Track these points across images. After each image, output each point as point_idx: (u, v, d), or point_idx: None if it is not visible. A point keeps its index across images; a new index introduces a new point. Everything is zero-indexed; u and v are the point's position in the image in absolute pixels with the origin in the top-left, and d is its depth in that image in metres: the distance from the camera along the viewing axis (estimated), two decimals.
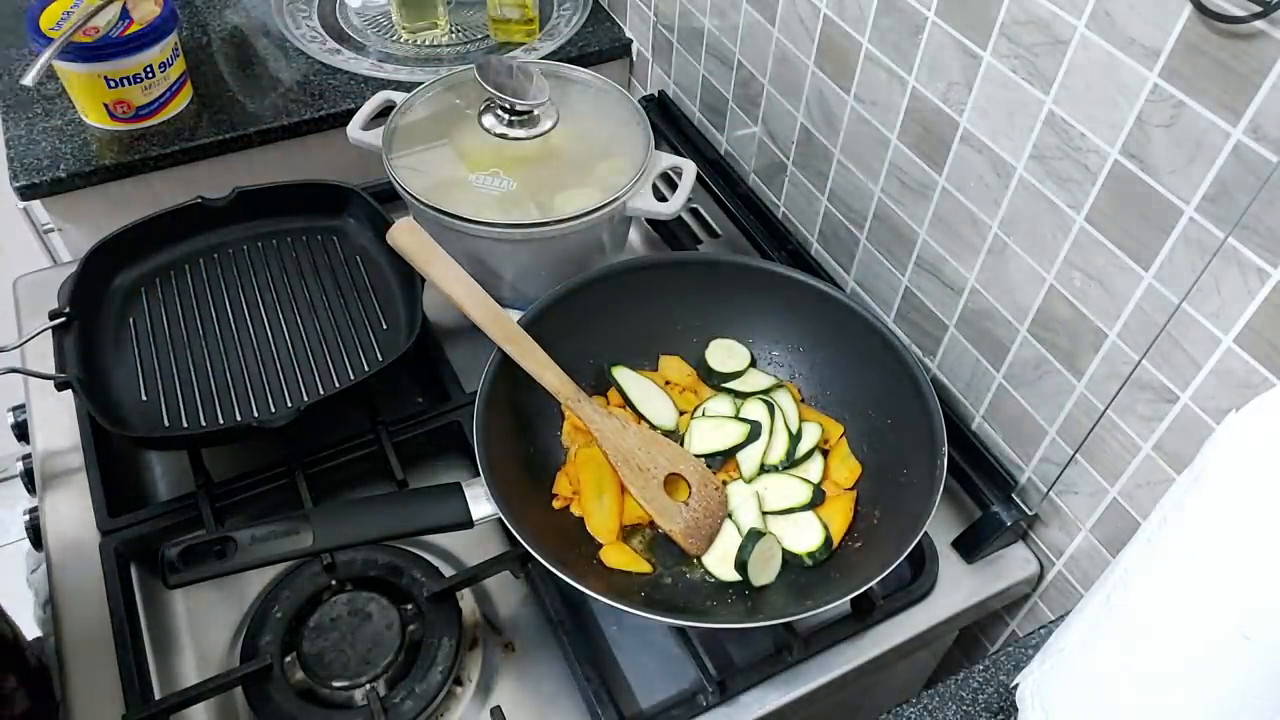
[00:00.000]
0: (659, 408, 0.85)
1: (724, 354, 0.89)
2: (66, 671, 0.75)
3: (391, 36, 1.33)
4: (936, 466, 0.73)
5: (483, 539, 0.82)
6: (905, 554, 0.68)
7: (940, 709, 0.70)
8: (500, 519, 0.69)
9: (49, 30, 1.06)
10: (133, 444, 0.83)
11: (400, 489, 0.84)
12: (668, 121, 1.21)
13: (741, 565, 0.75)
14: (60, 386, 0.84)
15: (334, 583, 0.77)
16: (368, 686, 0.71)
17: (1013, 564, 0.85)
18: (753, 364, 0.89)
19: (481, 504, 0.68)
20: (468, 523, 0.68)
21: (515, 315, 0.81)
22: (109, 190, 1.14)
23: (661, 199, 0.93)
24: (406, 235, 0.83)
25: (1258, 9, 0.52)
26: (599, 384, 0.87)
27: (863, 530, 0.79)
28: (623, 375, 0.86)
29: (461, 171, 0.93)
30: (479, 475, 0.70)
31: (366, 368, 0.90)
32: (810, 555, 0.76)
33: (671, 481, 0.78)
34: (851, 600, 0.70)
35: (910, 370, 0.79)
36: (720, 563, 0.76)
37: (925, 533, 0.70)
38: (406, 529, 0.68)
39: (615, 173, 0.93)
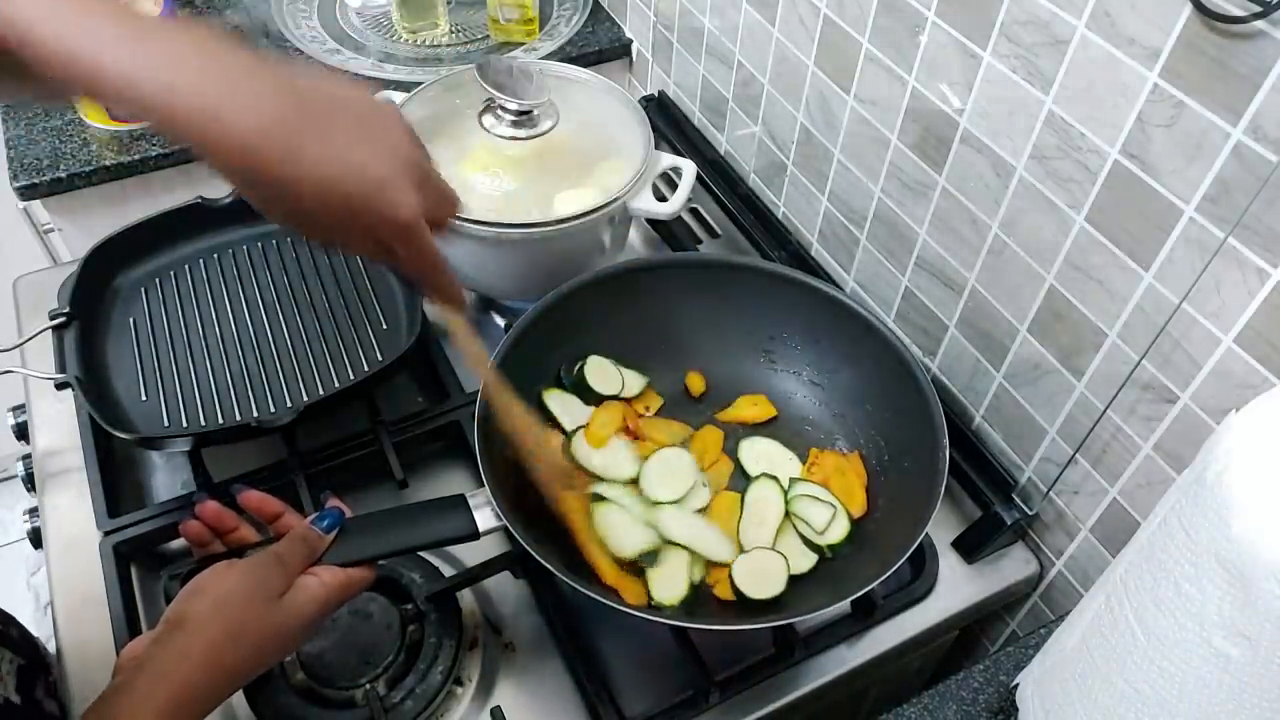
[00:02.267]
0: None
1: (600, 373, 0.86)
2: (66, 671, 0.75)
3: (391, 36, 1.33)
4: (937, 467, 0.73)
5: (482, 539, 0.82)
6: (907, 555, 0.68)
7: (940, 709, 0.70)
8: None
9: None
10: (133, 444, 0.83)
11: (400, 490, 0.84)
12: (668, 121, 1.21)
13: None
14: (60, 386, 0.84)
15: None
16: (368, 686, 0.71)
17: (1013, 564, 0.85)
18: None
19: (486, 514, 0.68)
20: (474, 535, 0.68)
21: (515, 317, 0.81)
22: (109, 190, 1.14)
23: (661, 199, 0.93)
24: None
25: (1258, 9, 0.52)
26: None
27: (865, 529, 0.79)
28: (553, 399, 0.84)
29: (461, 171, 0.93)
30: (479, 482, 0.70)
31: (366, 368, 0.90)
32: (832, 548, 0.76)
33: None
34: (851, 600, 0.70)
35: (910, 369, 0.79)
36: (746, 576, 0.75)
37: (925, 533, 0.70)
38: (413, 545, 0.68)
39: (615, 173, 0.93)
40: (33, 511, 0.88)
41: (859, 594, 0.68)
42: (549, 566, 0.66)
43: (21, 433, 0.93)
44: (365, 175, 0.52)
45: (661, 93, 1.26)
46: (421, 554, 0.80)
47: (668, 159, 0.96)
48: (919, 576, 0.82)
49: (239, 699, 0.72)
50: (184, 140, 0.50)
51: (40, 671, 0.73)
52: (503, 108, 0.93)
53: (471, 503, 0.68)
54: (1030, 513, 0.82)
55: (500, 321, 1.01)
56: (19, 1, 0.48)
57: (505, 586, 0.81)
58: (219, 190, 0.98)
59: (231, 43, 0.51)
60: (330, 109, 0.52)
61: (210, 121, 0.49)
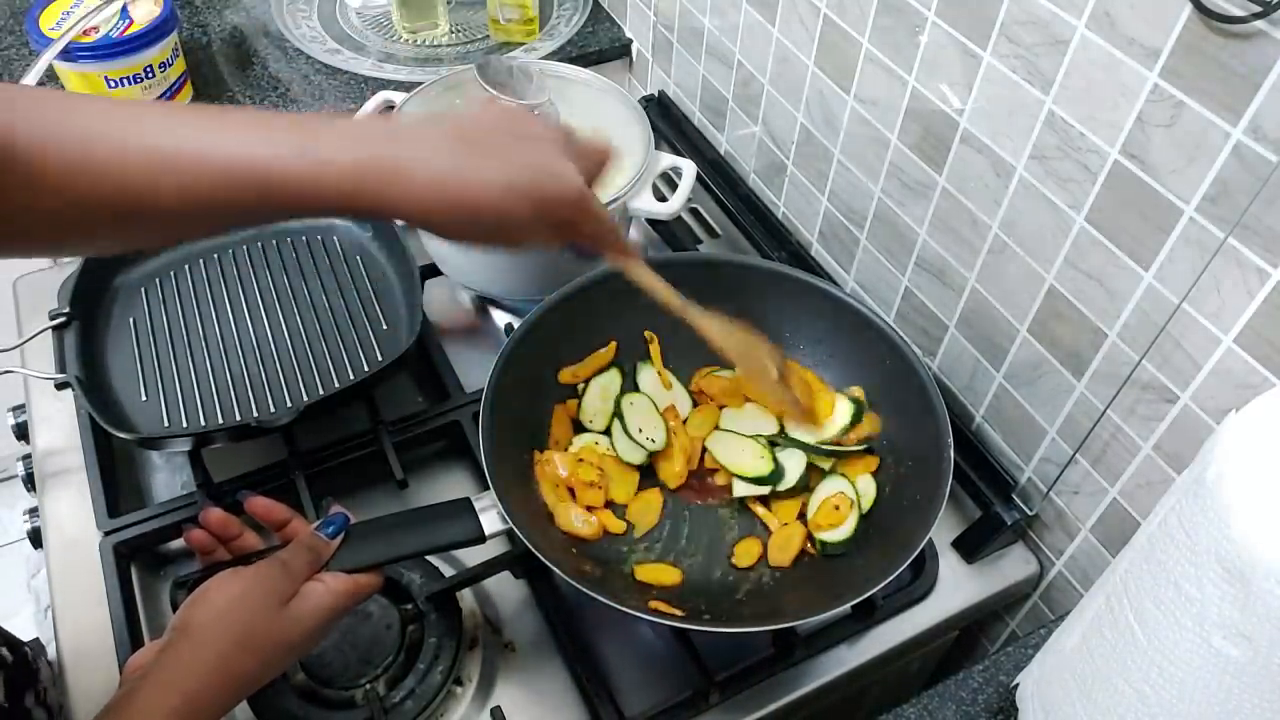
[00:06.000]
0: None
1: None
2: (66, 671, 0.75)
3: (391, 36, 1.33)
4: (941, 468, 0.73)
5: None
6: (910, 559, 0.68)
7: (940, 709, 0.70)
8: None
9: (49, 31, 1.06)
10: (133, 444, 0.83)
11: (401, 490, 0.84)
12: (668, 121, 1.21)
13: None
14: (60, 386, 0.84)
15: None
16: (368, 686, 0.71)
17: (1013, 564, 0.85)
18: None
19: (491, 517, 0.68)
20: (480, 539, 0.68)
21: (516, 317, 0.81)
22: None
23: (661, 199, 0.93)
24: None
25: (1258, 9, 0.52)
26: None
27: (867, 529, 0.79)
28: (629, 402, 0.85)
29: None
30: (480, 481, 0.69)
31: (366, 368, 0.90)
32: (840, 544, 0.77)
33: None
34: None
35: (913, 368, 0.79)
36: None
37: None
38: (419, 549, 0.67)
39: (615, 173, 0.93)
40: (33, 511, 0.88)
41: (862, 598, 0.68)
42: (554, 569, 0.66)
43: (21, 433, 0.93)
44: (532, 167, 0.57)
45: (661, 93, 1.26)
46: None
47: (668, 159, 0.96)
48: (919, 576, 0.82)
49: None
50: (375, 210, 0.54)
51: (29, 679, 0.73)
52: None
53: (477, 506, 0.68)
54: (1030, 513, 0.82)
55: (501, 321, 1.01)
56: (177, 131, 0.51)
57: (505, 586, 0.81)
58: None
59: (383, 118, 0.56)
60: (483, 131, 0.58)
61: (402, 182, 0.54)
